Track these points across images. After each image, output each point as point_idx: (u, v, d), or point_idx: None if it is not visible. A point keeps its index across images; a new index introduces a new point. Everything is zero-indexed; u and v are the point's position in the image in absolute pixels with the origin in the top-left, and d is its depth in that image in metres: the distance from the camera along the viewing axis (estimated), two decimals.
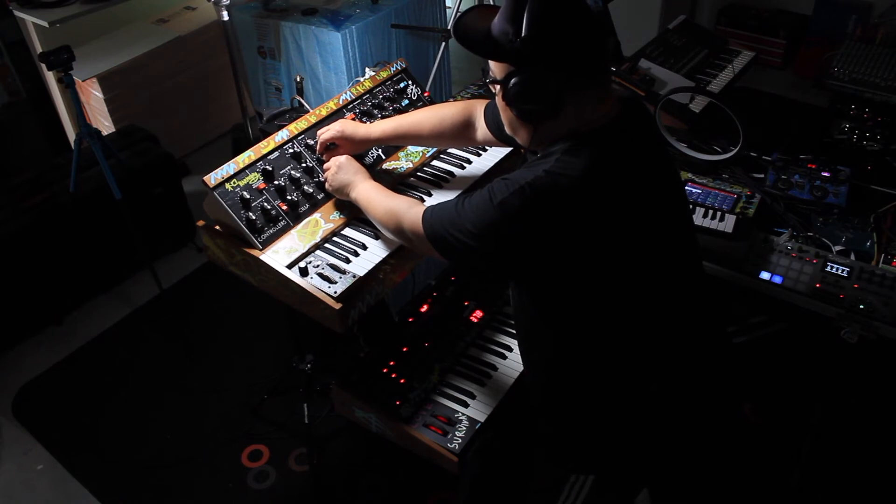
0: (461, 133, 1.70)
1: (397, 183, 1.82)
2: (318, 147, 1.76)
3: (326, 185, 1.70)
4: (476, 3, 3.72)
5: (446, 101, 2.35)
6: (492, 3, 3.50)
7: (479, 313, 1.92)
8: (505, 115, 1.31)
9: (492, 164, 1.89)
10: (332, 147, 1.73)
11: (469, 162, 1.90)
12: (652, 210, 1.28)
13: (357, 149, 1.75)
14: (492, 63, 1.26)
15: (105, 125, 3.43)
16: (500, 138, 1.62)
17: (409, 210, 1.42)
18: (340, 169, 1.65)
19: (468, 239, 1.24)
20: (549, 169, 1.18)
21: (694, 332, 1.41)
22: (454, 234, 1.27)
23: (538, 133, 1.24)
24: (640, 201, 1.26)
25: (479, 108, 1.66)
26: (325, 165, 1.71)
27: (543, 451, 1.46)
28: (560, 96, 1.17)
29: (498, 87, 1.25)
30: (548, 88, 1.17)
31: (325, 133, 1.73)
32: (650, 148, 1.33)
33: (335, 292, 1.50)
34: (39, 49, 3.12)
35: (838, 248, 1.93)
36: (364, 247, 1.64)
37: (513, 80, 1.18)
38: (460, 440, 1.54)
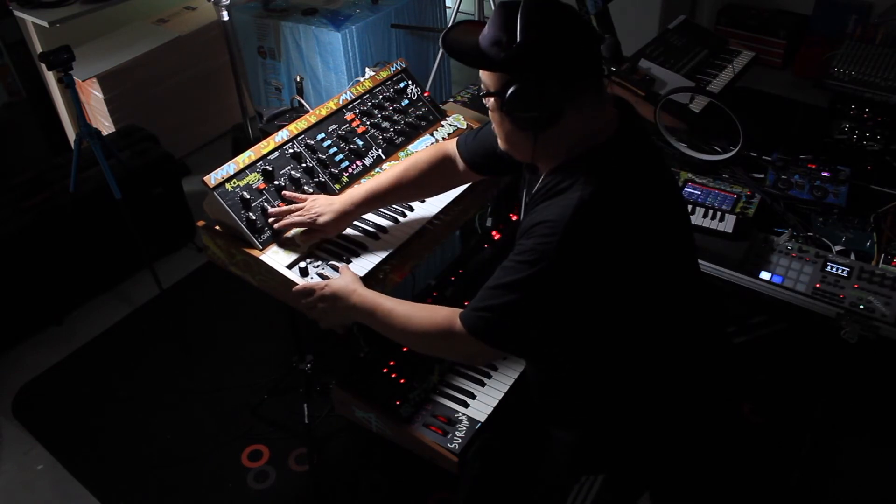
0: (441, 173, 1.63)
1: None
2: (278, 223, 1.61)
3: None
4: (474, 11, 3.73)
5: (446, 101, 2.35)
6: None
7: None
8: (502, 128, 1.27)
9: None
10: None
11: None
12: (663, 219, 1.28)
13: (339, 229, 1.65)
14: (484, 76, 1.24)
15: (105, 125, 3.43)
16: (478, 169, 1.59)
17: (438, 315, 1.34)
18: (336, 299, 1.45)
19: (515, 295, 1.19)
20: (583, 194, 1.15)
21: (697, 335, 1.41)
22: (497, 303, 1.21)
23: (539, 145, 1.22)
24: (654, 213, 1.26)
25: (450, 145, 1.62)
26: (306, 302, 1.50)
27: (554, 454, 1.46)
28: (560, 101, 1.16)
29: (492, 99, 1.23)
30: (547, 93, 1.15)
31: (294, 219, 1.60)
32: (653, 156, 1.33)
33: None
34: (39, 49, 3.12)
35: (838, 248, 1.93)
36: (364, 247, 1.64)
37: (511, 88, 1.16)
38: (460, 440, 1.54)
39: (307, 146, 1.79)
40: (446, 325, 1.30)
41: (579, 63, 1.18)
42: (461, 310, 1.30)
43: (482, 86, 1.26)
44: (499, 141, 1.32)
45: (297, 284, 1.51)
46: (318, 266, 1.59)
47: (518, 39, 1.14)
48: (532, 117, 1.18)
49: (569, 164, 1.22)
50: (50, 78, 3.25)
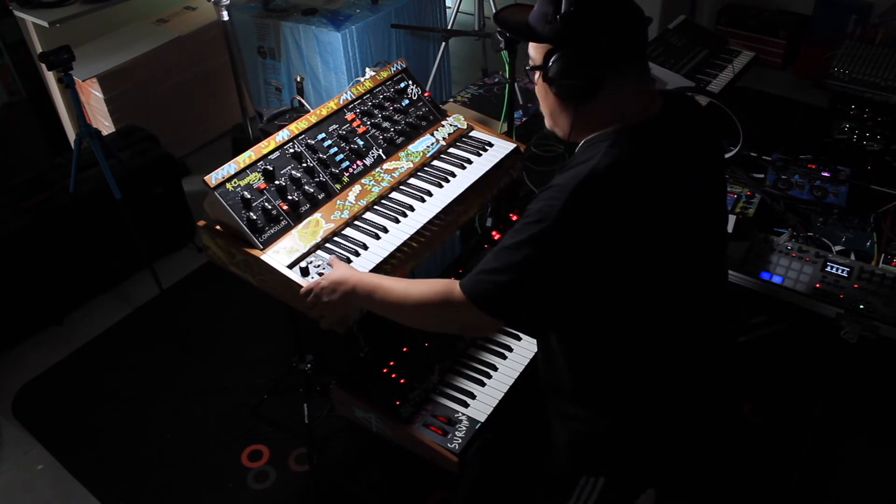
0: None
1: (398, 183, 1.83)
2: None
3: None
4: (474, 10, 3.74)
5: (446, 101, 2.35)
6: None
7: None
8: (546, 102, 1.30)
9: (492, 164, 1.89)
10: None
11: (469, 162, 1.90)
12: (684, 209, 1.27)
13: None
14: (531, 50, 1.27)
15: (105, 125, 3.42)
16: None
17: (437, 284, 1.32)
18: (336, 284, 1.46)
19: (515, 257, 1.18)
20: (596, 165, 1.16)
21: (704, 332, 1.40)
22: (497, 265, 1.20)
23: (579, 118, 1.24)
24: (681, 201, 1.25)
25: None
26: (311, 299, 1.49)
27: (558, 454, 1.45)
28: (600, 72, 1.18)
29: (537, 74, 1.26)
30: (588, 63, 1.18)
31: None
32: (698, 147, 1.33)
33: None
34: (39, 49, 3.12)
35: (838, 248, 1.93)
36: (365, 247, 1.64)
37: (554, 57, 1.20)
38: (460, 440, 1.54)
39: (308, 146, 1.79)
40: (446, 292, 1.28)
41: (621, 38, 1.20)
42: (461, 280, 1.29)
43: (529, 61, 1.29)
44: (545, 119, 1.35)
45: (298, 284, 1.51)
46: (318, 266, 1.59)
47: (563, 10, 1.17)
48: (573, 86, 1.20)
49: (597, 137, 1.23)
50: (50, 78, 3.25)
